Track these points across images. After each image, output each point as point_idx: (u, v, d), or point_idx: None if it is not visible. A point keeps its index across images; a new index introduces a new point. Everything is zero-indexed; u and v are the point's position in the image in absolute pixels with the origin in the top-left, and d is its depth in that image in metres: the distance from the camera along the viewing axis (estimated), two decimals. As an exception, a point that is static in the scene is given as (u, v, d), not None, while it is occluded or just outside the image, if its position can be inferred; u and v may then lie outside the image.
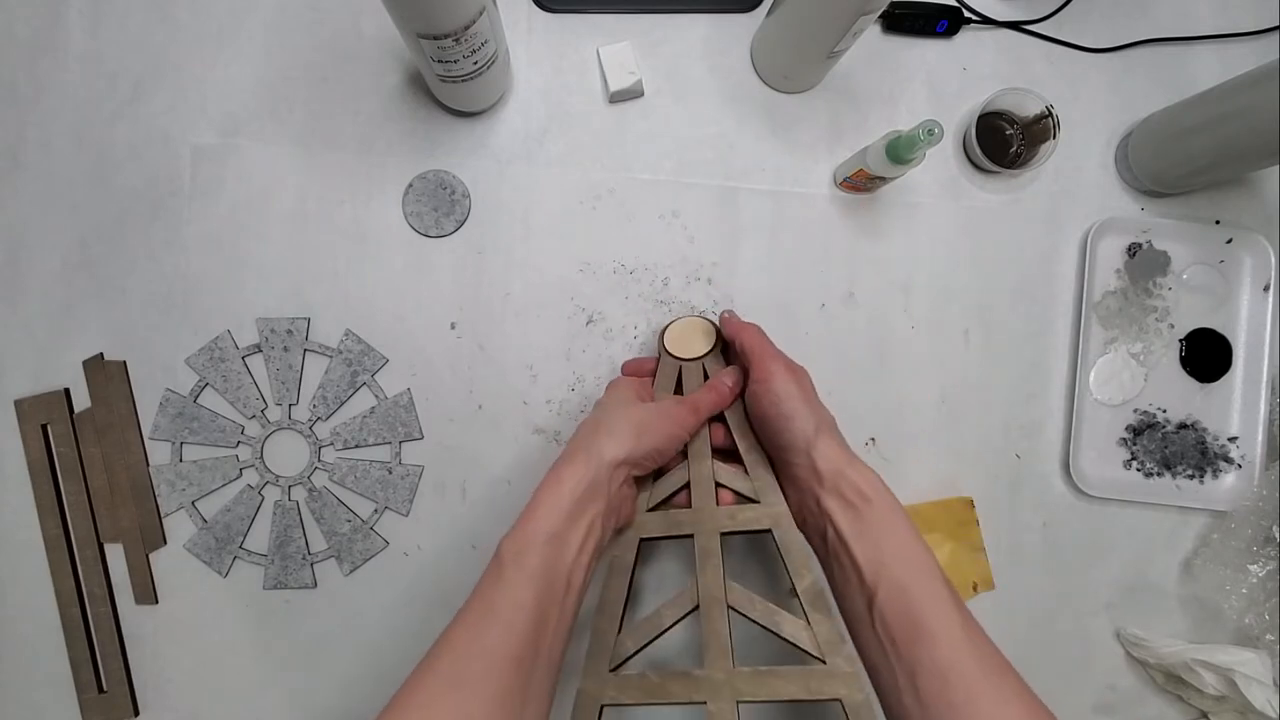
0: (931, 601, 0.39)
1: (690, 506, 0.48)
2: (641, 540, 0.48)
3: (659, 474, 0.50)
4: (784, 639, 0.43)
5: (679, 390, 0.53)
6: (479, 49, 0.48)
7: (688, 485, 0.49)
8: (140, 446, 0.57)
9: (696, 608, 0.44)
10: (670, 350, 0.54)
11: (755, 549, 0.59)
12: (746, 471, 0.48)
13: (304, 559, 0.57)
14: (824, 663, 0.41)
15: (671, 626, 0.45)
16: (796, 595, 0.44)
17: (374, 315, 0.58)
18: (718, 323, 0.54)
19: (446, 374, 0.59)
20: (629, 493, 0.47)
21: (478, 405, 0.59)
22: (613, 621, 0.44)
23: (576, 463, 0.43)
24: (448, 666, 0.37)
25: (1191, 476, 0.62)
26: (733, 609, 0.44)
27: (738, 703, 0.40)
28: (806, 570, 0.44)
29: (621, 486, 0.46)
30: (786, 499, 0.47)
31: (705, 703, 0.41)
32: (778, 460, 0.48)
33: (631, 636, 0.44)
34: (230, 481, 0.58)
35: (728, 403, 0.50)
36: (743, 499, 0.48)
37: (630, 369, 0.57)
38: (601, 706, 0.43)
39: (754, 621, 0.44)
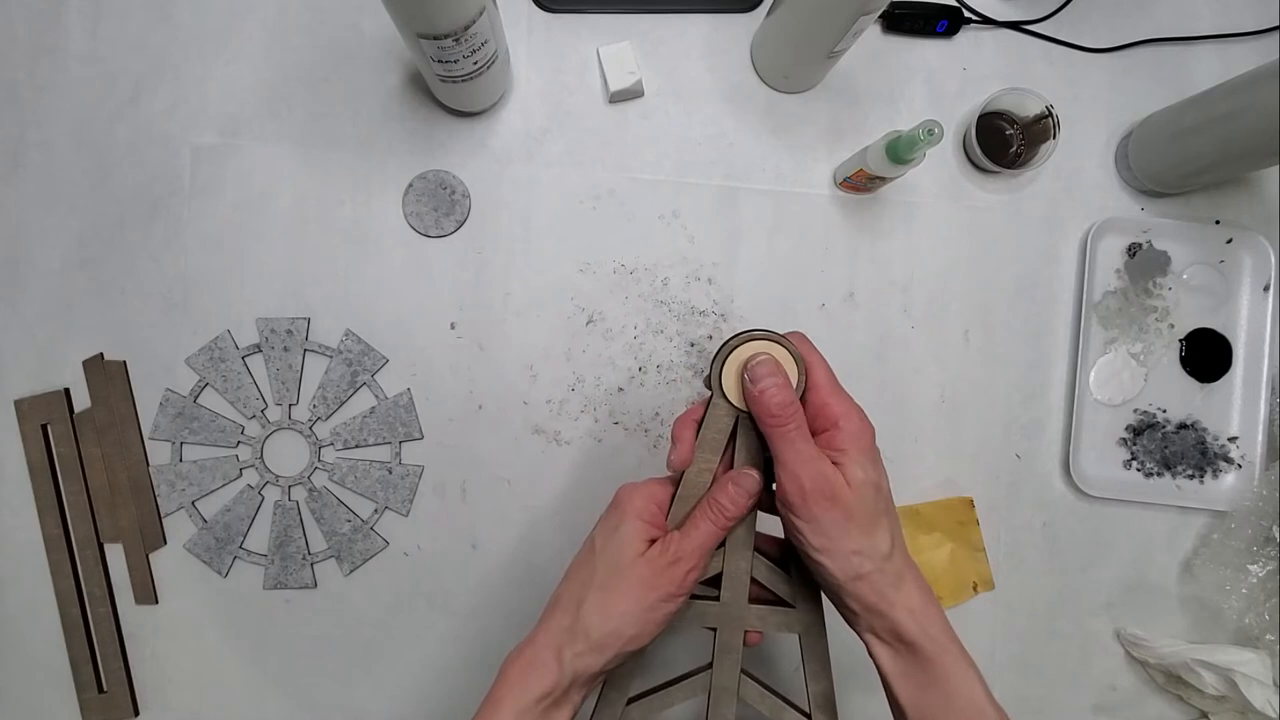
0: None
1: (718, 599, 0.43)
2: None
3: None
4: None
5: (729, 447, 0.42)
6: (479, 49, 0.48)
7: (719, 575, 0.43)
8: (140, 446, 0.57)
9: (708, 693, 0.44)
10: (729, 394, 0.41)
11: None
12: (788, 571, 0.44)
13: (304, 559, 0.57)
14: None
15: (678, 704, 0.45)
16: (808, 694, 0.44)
17: (374, 315, 0.58)
18: (792, 348, 0.41)
19: (446, 374, 0.59)
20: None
21: (478, 405, 0.59)
22: (622, 694, 0.43)
23: (547, 666, 0.38)
24: None
25: (1191, 476, 0.62)
26: (742, 700, 0.44)
27: None
28: (824, 677, 0.43)
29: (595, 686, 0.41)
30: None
31: None
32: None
33: (639, 710, 0.44)
34: (230, 481, 0.58)
35: (734, 523, 0.41)
36: (777, 599, 0.44)
37: (682, 430, 0.42)
38: None
39: (760, 713, 0.44)
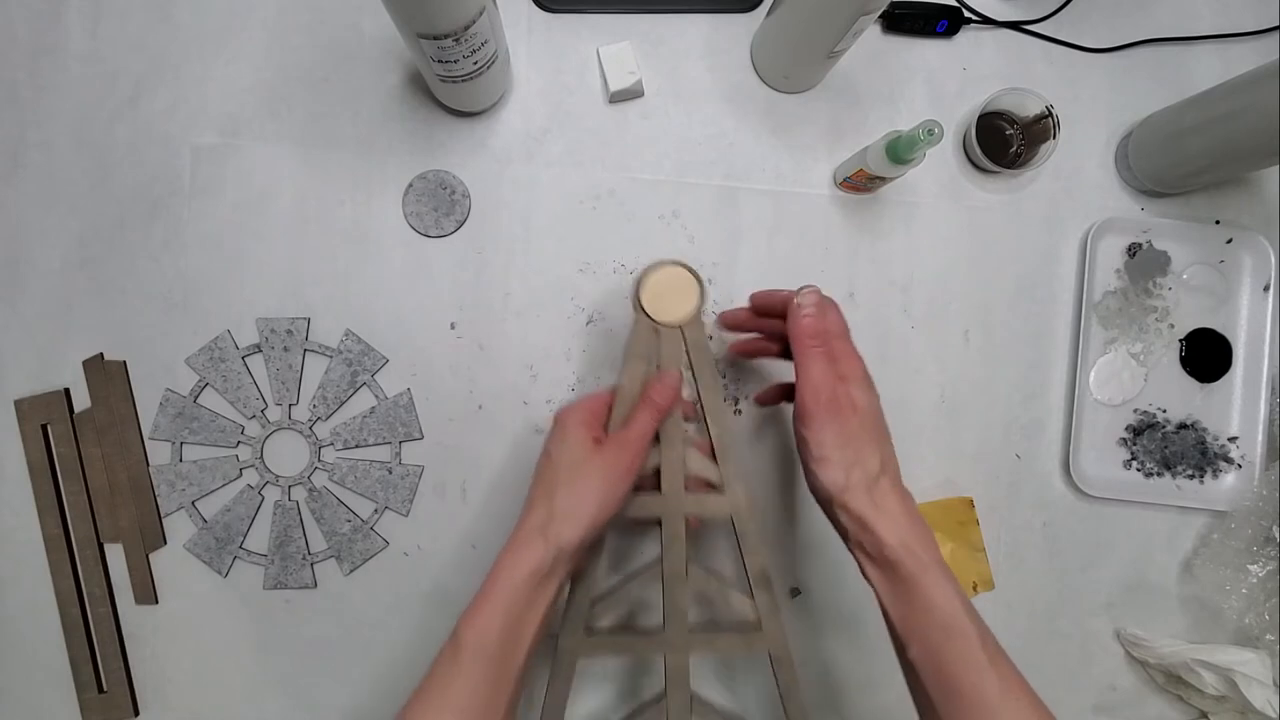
0: (966, 670, 0.39)
1: (659, 489, 0.49)
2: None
3: None
4: (732, 611, 0.51)
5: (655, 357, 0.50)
6: (479, 49, 0.48)
7: (658, 469, 0.50)
8: (140, 446, 0.57)
9: (662, 582, 0.50)
10: (648, 310, 0.49)
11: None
12: (715, 458, 0.50)
13: (304, 559, 0.57)
14: (760, 629, 0.49)
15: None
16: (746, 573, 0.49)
17: (374, 315, 0.58)
18: (698, 275, 0.49)
19: (446, 374, 0.59)
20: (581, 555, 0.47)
21: (478, 405, 0.59)
22: (588, 593, 0.49)
23: (534, 545, 0.43)
24: None
25: (1191, 476, 0.62)
26: (695, 592, 0.50)
27: (690, 657, 0.49)
28: (758, 555, 0.49)
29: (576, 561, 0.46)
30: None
31: (664, 656, 0.49)
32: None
33: (604, 605, 0.50)
34: (230, 481, 0.58)
35: (665, 414, 0.48)
36: (711, 485, 0.51)
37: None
38: (577, 659, 0.49)
39: (708, 596, 0.51)
